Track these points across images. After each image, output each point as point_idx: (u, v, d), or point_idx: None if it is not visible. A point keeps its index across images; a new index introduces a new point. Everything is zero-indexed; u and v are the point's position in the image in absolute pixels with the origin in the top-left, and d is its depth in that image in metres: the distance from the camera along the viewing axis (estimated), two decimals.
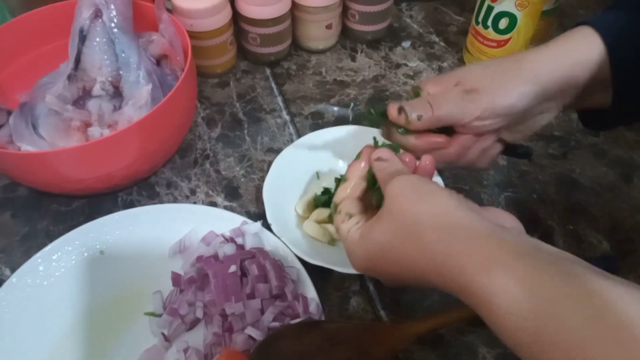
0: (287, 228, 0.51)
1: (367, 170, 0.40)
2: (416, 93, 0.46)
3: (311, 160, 0.57)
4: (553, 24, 0.74)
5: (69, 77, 0.56)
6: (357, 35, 0.75)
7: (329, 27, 0.71)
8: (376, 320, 0.48)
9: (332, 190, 0.55)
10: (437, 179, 0.54)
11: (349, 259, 0.39)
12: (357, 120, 0.56)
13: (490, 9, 0.64)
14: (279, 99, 0.68)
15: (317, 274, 0.47)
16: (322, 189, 0.55)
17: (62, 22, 0.59)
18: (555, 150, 0.62)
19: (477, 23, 0.67)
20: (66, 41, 0.58)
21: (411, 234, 0.33)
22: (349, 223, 0.38)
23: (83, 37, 0.57)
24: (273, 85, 0.70)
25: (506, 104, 0.42)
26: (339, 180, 0.43)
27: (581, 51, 0.41)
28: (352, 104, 0.67)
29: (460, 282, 0.30)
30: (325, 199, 0.54)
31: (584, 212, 0.56)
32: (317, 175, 0.57)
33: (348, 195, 0.40)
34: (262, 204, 0.52)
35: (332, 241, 0.52)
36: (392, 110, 0.43)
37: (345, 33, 0.76)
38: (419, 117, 0.42)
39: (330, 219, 0.52)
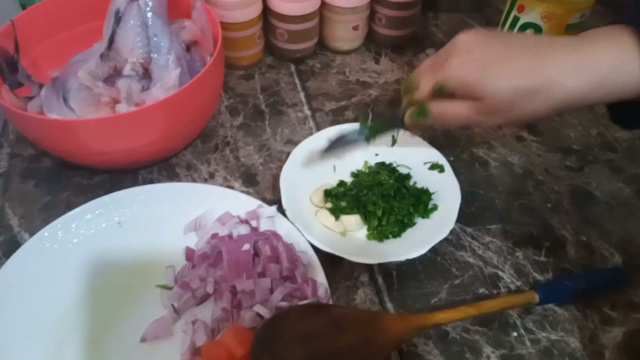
0: (301, 215, 0.52)
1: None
2: (407, 89, 0.50)
3: None
4: None
5: (102, 56, 0.58)
6: (382, 39, 0.77)
7: (355, 28, 0.73)
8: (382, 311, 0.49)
9: (348, 184, 0.56)
10: (453, 177, 0.54)
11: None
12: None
13: (516, 19, 0.65)
14: (302, 95, 0.70)
15: (328, 262, 0.48)
16: (337, 182, 0.56)
17: (98, 4, 0.61)
18: (573, 162, 0.62)
19: None
20: (100, 23, 0.60)
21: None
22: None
23: (118, 19, 0.58)
24: (297, 81, 0.72)
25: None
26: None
27: (616, 57, 0.40)
28: (372, 105, 0.69)
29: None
30: (339, 191, 0.54)
31: (597, 224, 0.56)
32: (334, 168, 0.58)
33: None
34: (278, 191, 0.53)
35: (344, 232, 0.52)
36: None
37: (371, 36, 0.77)
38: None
39: (342, 212, 0.53)
